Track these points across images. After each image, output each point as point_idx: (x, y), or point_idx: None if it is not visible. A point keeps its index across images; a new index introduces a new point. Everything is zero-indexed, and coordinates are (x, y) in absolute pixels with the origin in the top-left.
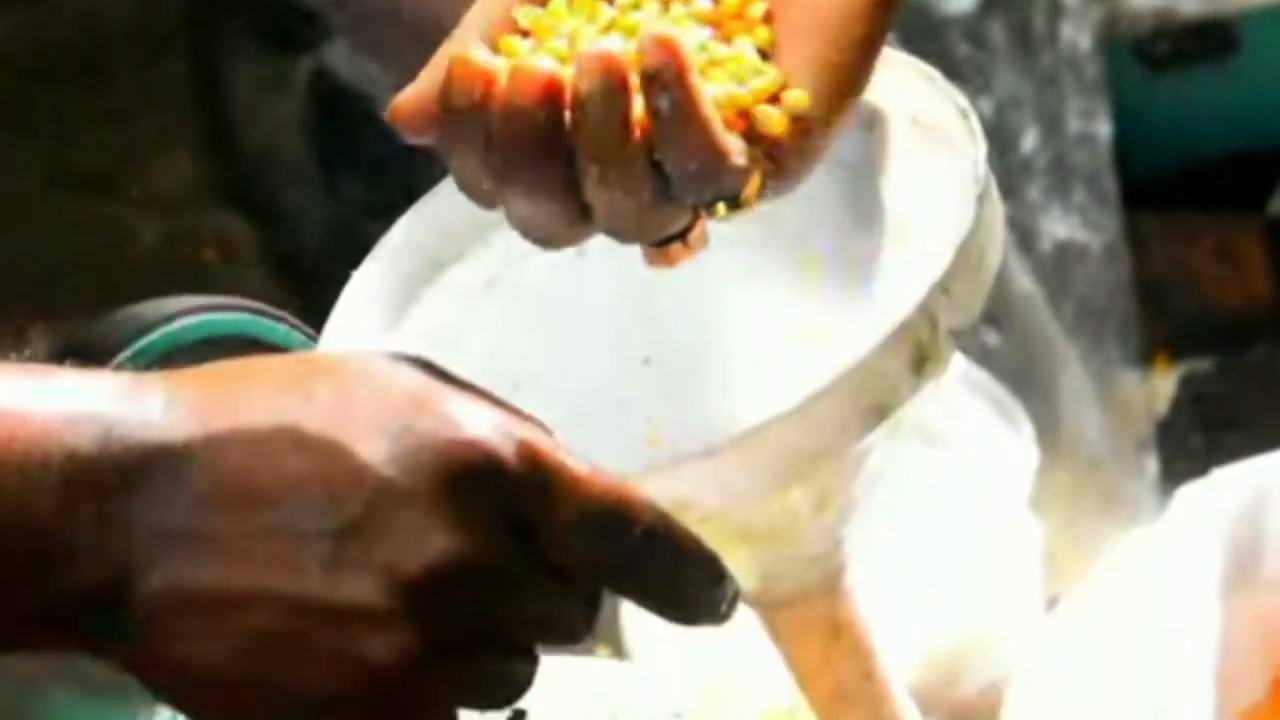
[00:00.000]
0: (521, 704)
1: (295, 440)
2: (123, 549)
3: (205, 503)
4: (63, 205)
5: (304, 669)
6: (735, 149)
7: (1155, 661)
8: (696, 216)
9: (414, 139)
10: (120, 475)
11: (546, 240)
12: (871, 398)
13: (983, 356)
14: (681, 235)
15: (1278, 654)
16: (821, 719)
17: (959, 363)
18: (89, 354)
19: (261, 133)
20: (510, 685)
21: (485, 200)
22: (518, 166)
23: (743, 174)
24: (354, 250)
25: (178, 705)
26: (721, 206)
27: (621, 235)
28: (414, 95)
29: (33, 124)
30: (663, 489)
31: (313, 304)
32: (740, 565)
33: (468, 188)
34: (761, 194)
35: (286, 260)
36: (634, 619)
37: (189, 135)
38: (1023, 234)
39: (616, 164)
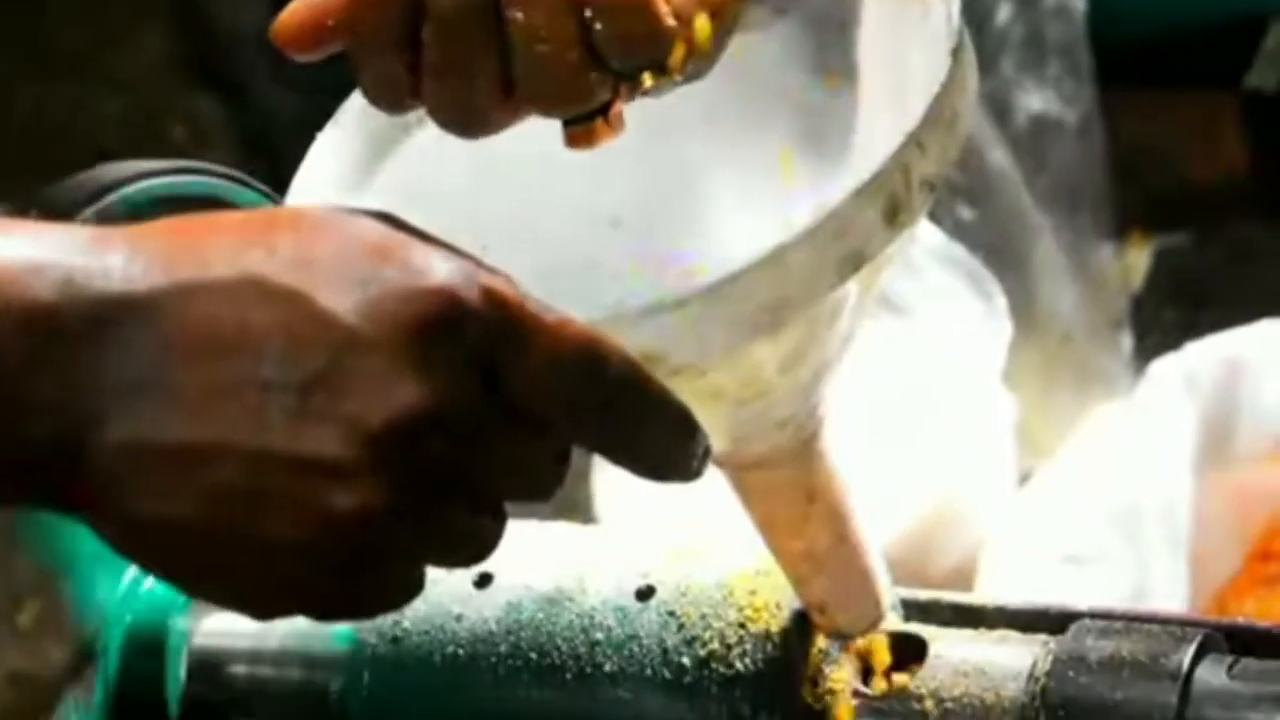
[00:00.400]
0: (488, 566)
1: (258, 291)
2: (81, 401)
3: (166, 355)
4: (35, 85)
5: (267, 522)
6: (665, 11)
7: (1130, 536)
8: (617, 94)
9: (305, 55)
10: (81, 325)
11: (470, 123)
12: (845, 247)
13: (957, 231)
14: (603, 112)
15: (1252, 528)
16: (793, 582)
17: (933, 236)
18: (51, 213)
19: (231, 11)
20: (478, 542)
21: (400, 103)
22: (454, 44)
23: (672, 38)
24: (322, 129)
25: (138, 561)
26: (647, 77)
27: (547, 105)
28: (302, 8)
29: (6, 6)
30: (633, 340)
31: (281, 182)
32: (711, 426)
33: (384, 88)
34: (684, 67)
35: (255, 139)
36: (604, 490)
37: (160, 14)
38: (997, 108)
39: (547, 18)
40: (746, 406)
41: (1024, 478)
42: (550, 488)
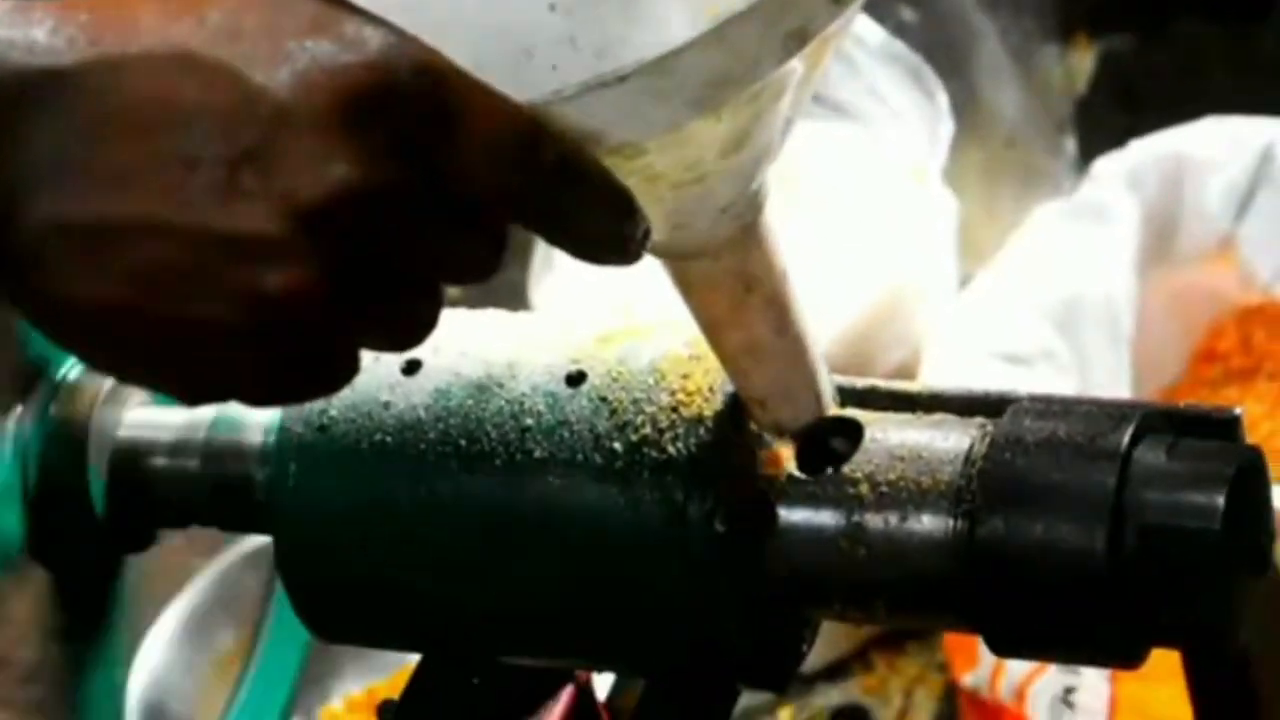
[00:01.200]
0: (417, 353)
1: (187, 64)
2: (4, 177)
3: (91, 130)
4: None
5: (196, 302)
6: None
7: (1071, 336)
8: None
9: None
10: (3, 100)
11: None
12: (790, 22)
13: (899, 31)
14: None
15: (1196, 329)
16: (731, 373)
17: (875, 35)
18: None
19: None
20: (412, 325)
21: None
22: None
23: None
24: None
25: (63, 342)
26: None
27: None
28: None
29: None
30: (571, 119)
31: None
32: (651, 211)
33: None
34: None
35: None
36: (540, 284)
37: None
38: None
39: None
40: (686, 190)
41: (966, 279)
42: (487, 269)
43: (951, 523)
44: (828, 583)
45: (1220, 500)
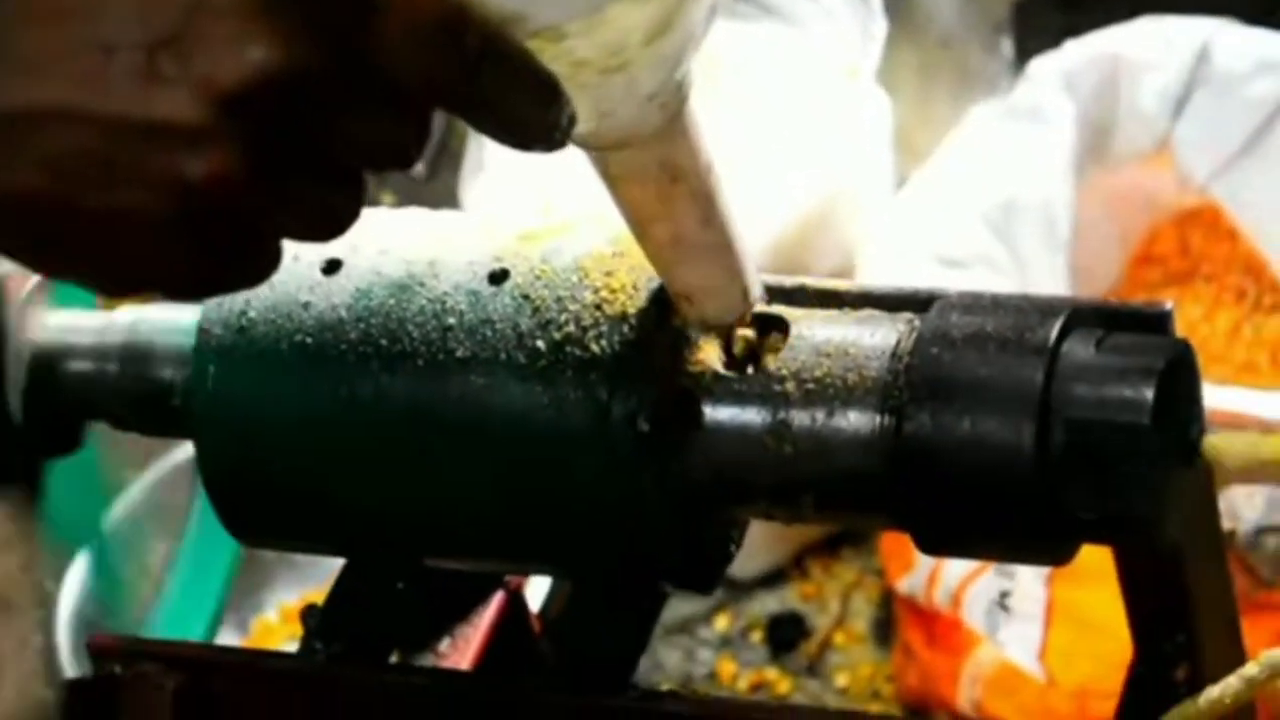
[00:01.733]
0: (337, 252)
1: None
2: None
3: (6, 18)
4: None
5: (116, 191)
6: None
7: (1008, 238)
8: None
9: None
10: None
11: None
12: None
13: None
14: None
15: (1133, 232)
16: (657, 268)
17: None
18: None
19: None
20: (334, 214)
21: None
22: None
23: None
24: None
25: None
26: None
27: None
28: None
29: None
30: (494, 1)
31: None
32: (576, 100)
33: None
34: None
35: None
36: (471, 187)
37: None
38: None
39: None
40: (611, 78)
41: (901, 180)
42: (410, 155)
43: (878, 419)
44: (754, 481)
45: (1149, 394)
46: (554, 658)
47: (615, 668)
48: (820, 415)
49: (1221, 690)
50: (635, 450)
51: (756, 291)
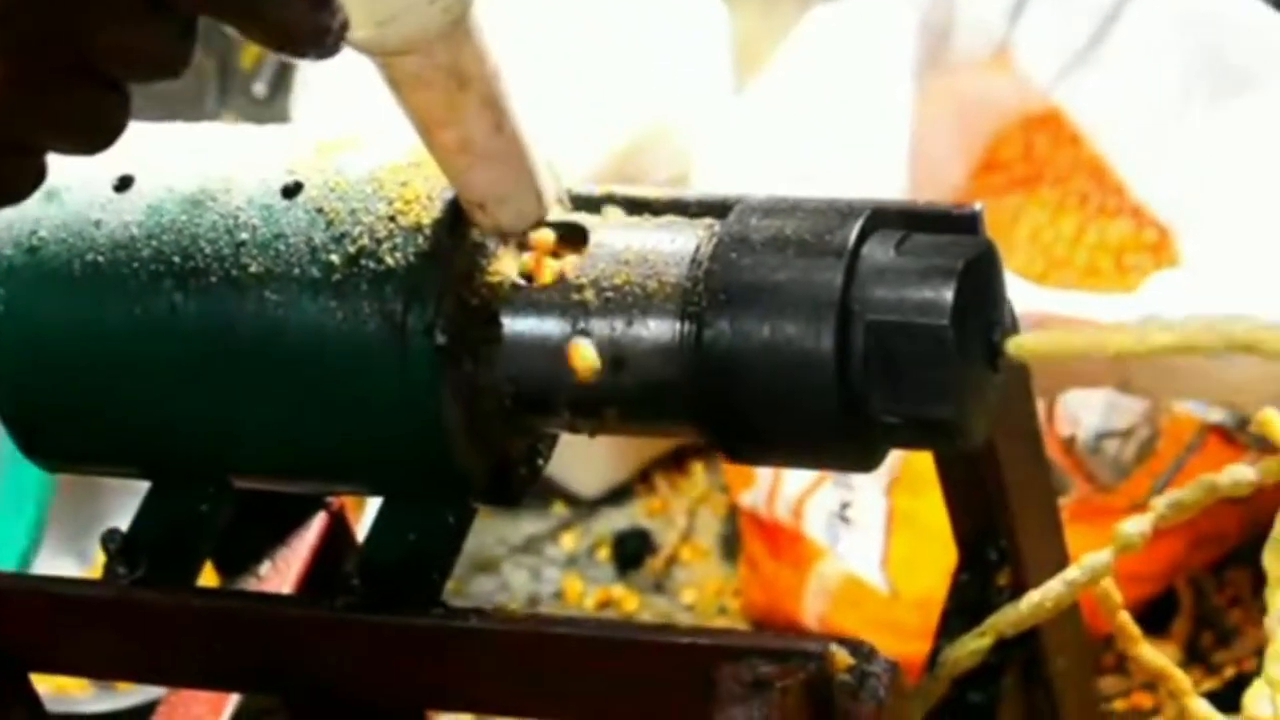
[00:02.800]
0: (129, 168)
1: None
2: None
3: None
4: None
5: None
6: None
7: (848, 146)
8: None
9: None
10: None
11: None
12: None
13: None
14: None
15: (976, 139)
16: (449, 176)
17: None
18: None
19: None
20: (96, 124)
21: None
22: None
23: None
24: None
25: None
26: None
27: None
28: None
29: None
30: None
31: None
32: (350, 6)
33: None
34: None
35: None
36: (298, 108)
37: None
38: None
39: None
40: None
41: (742, 89)
42: (175, 65)
43: (678, 327)
44: (555, 393)
45: (948, 294)
46: (361, 577)
47: (423, 586)
48: (619, 324)
49: (1043, 594)
50: (432, 364)
51: (551, 198)
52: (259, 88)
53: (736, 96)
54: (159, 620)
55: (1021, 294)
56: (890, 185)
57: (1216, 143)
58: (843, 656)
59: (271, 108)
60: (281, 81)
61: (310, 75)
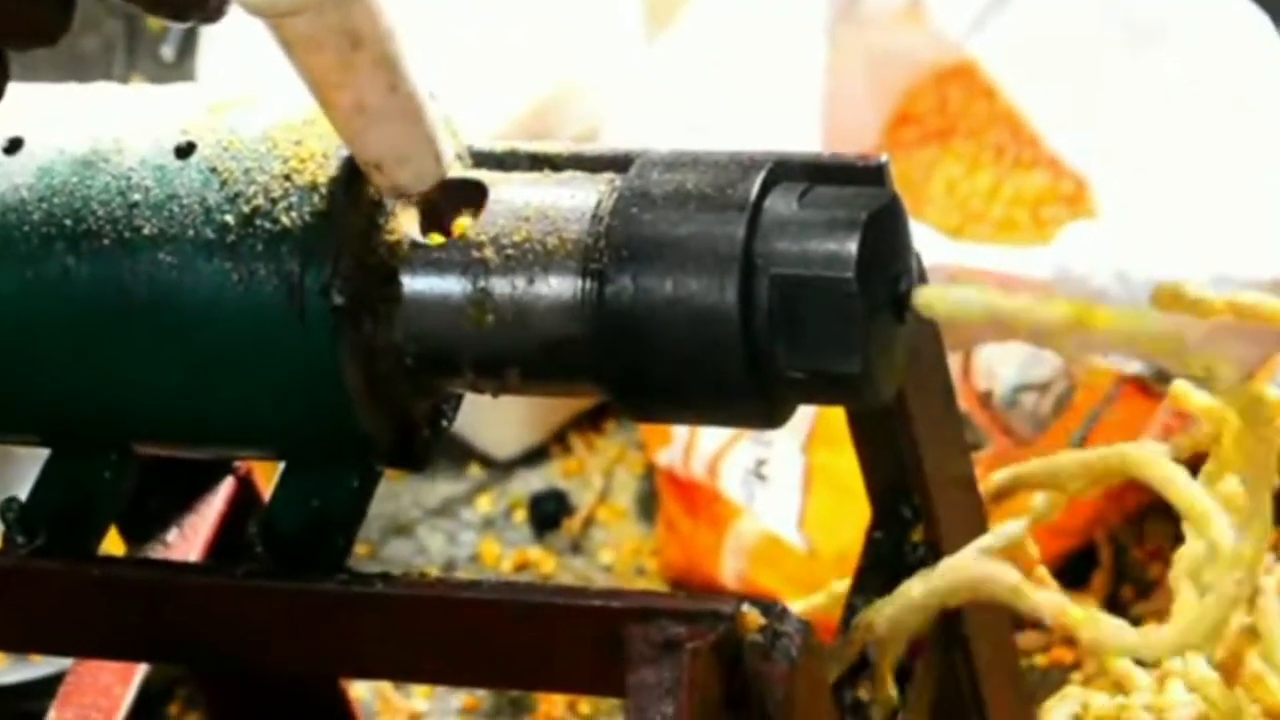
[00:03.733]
0: (18, 130)
1: None
2: None
3: None
4: None
5: None
6: None
7: (760, 102)
8: None
9: None
10: None
11: None
12: None
13: None
14: None
15: (891, 94)
16: (345, 138)
17: None
18: None
19: None
20: None
21: None
22: None
23: None
24: None
25: None
26: None
27: None
28: None
29: None
30: None
31: None
32: None
33: None
34: None
35: None
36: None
37: None
38: None
39: None
40: None
41: (649, 44)
42: (52, 31)
43: (580, 283)
44: (457, 352)
45: (852, 247)
46: (264, 543)
47: (327, 551)
48: (520, 282)
49: (958, 561)
50: (330, 325)
51: (449, 157)
52: (167, 51)
53: (646, 51)
54: (58, 590)
55: (935, 248)
56: (803, 140)
57: (1131, 93)
58: (754, 617)
59: (180, 70)
60: (189, 44)
61: (217, 37)
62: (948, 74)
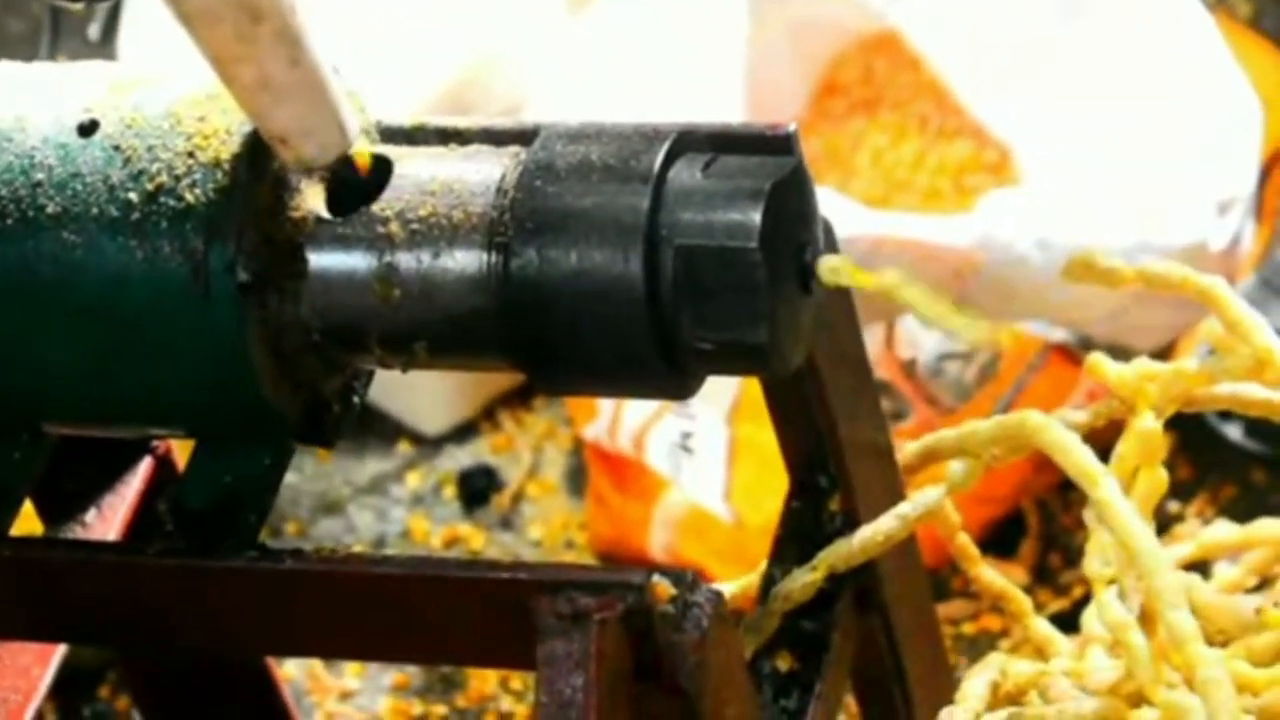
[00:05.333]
0: None
1: None
2: None
3: None
4: None
5: None
6: None
7: (682, 75)
8: None
9: None
10: None
11: None
12: None
13: None
14: None
15: (816, 64)
16: (249, 112)
17: None
18: None
19: None
20: None
21: None
22: None
23: None
24: None
25: None
26: None
27: None
28: None
29: None
30: None
31: None
32: None
33: None
34: None
35: None
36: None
37: None
38: None
39: None
40: None
41: (572, 17)
42: None
43: (484, 258)
44: (364, 328)
45: (755, 216)
46: (175, 521)
47: (238, 528)
48: (426, 257)
49: (875, 529)
50: (236, 301)
51: (354, 131)
52: (93, 30)
53: (569, 25)
54: None
55: (855, 217)
56: (727, 111)
57: (1054, 62)
58: (664, 587)
59: (105, 50)
60: (114, 24)
61: (139, 16)
62: (871, 44)
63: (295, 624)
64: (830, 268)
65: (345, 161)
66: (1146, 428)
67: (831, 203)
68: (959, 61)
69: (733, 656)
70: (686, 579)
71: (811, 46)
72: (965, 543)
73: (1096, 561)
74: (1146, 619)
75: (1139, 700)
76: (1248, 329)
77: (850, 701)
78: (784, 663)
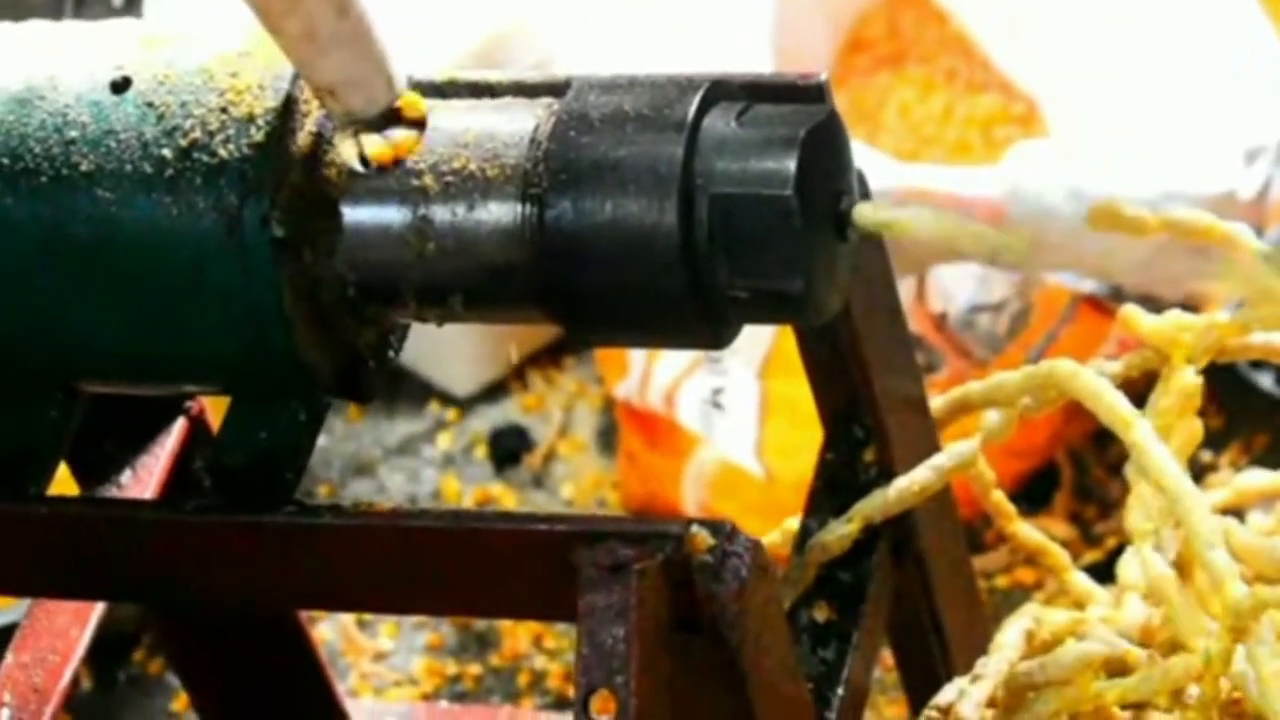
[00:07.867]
0: None
1: None
2: None
3: None
4: None
5: None
6: None
7: (711, 27)
8: None
9: None
10: None
11: None
12: None
13: None
14: None
15: (842, 21)
16: (297, 64)
17: None
18: None
19: None
20: None
21: None
22: None
23: None
24: None
25: None
26: None
27: None
28: None
29: None
30: None
31: None
32: None
33: None
34: None
35: None
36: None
37: None
38: None
39: None
40: None
41: None
42: None
43: (520, 209)
44: (399, 281)
45: (790, 164)
46: (211, 478)
47: (275, 484)
48: (460, 209)
49: (910, 480)
50: (271, 257)
51: (401, 82)
52: None
53: None
54: (7, 531)
55: (884, 170)
56: (755, 68)
57: (1080, 13)
58: (703, 538)
59: (128, 16)
60: None
61: None
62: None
63: (334, 579)
64: (867, 211)
65: (393, 114)
66: (1185, 380)
67: (860, 156)
68: (985, 14)
69: (771, 606)
70: (725, 529)
71: (837, 3)
72: (1000, 499)
73: (1138, 515)
74: (1183, 568)
75: (1172, 649)
76: None
77: (886, 653)
78: (821, 614)
